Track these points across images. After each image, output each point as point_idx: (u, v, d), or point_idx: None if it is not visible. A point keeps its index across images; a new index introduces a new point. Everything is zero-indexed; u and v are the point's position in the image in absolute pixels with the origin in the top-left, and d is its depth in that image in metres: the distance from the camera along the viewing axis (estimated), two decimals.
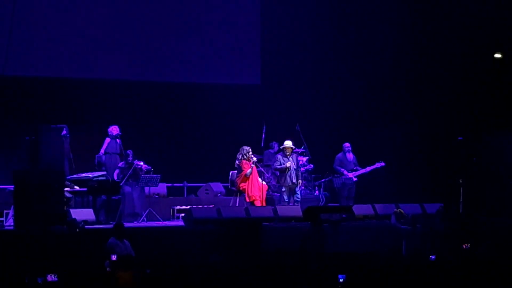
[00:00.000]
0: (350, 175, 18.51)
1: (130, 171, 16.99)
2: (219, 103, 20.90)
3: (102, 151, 17.71)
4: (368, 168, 18.63)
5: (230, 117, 20.95)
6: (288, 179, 17.52)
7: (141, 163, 17.22)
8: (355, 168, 18.63)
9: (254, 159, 17.52)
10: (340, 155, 18.78)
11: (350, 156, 18.71)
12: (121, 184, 16.85)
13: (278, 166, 17.63)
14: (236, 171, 17.75)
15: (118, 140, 17.70)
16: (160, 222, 16.70)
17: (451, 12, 20.29)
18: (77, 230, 14.24)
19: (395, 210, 15.38)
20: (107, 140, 17.74)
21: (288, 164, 17.53)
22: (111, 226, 14.74)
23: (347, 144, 18.78)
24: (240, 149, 17.54)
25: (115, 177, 17.13)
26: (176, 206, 17.85)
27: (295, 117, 19.65)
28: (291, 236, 15.12)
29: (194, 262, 10.91)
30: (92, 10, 19.63)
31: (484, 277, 10.02)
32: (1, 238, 14.14)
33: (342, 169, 18.55)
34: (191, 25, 20.66)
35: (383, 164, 18.61)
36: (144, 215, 16.77)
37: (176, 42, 20.55)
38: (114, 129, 17.71)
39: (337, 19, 21.34)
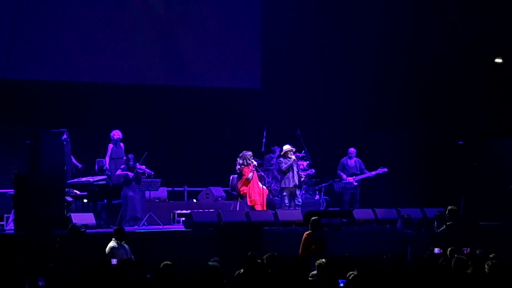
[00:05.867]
0: (350, 179, 18.45)
1: (133, 175, 16.99)
2: (220, 107, 20.93)
3: (107, 158, 17.68)
4: (371, 173, 18.57)
5: (231, 121, 20.97)
6: (291, 180, 17.42)
7: (144, 167, 17.22)
8: (356, 172, 18.57)
9: (255, 163, 17.49)
10: (344, 159, 18.75)
11: (352, 162, 18.63)
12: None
13: (285, 166, 17.47)
14: (236, 176, 17.73)
15: (121, 144, 17.69)
16: (161, 226, 16.69)
17: (452, 15, 20.30)
18: (82, 236, 14.13)
19: (402, 214, 15.33)
20: (110, 146, 17.73)
21: (293, 157, 17.43)
22: (111, 230, 14.73)
23: (352, 150, 18.68)
24: (241, 154, 17.50)
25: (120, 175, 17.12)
26: (177, 210, 17.85)
27: (295, 121, 19.65)
28: (292, 241, 15.09)
29: (194, 266, 10.88)
30: (93, 14, 19.67)
31: (483, 281, 10.02)
32: (1, 242, 14.12)
33: (342, 174, 18.51)
34: (192, 29, 20.69)
35: (385, 170, 18.55)
36: (144, 219, 16.76)
37: (176, 46, 20.59)
38: (116, 134, 17.71)
39: (338, 23, 21.34)
